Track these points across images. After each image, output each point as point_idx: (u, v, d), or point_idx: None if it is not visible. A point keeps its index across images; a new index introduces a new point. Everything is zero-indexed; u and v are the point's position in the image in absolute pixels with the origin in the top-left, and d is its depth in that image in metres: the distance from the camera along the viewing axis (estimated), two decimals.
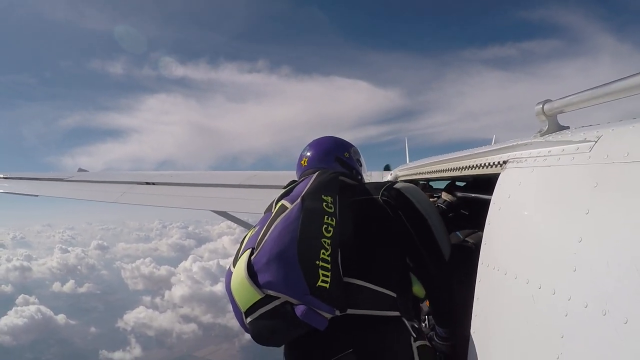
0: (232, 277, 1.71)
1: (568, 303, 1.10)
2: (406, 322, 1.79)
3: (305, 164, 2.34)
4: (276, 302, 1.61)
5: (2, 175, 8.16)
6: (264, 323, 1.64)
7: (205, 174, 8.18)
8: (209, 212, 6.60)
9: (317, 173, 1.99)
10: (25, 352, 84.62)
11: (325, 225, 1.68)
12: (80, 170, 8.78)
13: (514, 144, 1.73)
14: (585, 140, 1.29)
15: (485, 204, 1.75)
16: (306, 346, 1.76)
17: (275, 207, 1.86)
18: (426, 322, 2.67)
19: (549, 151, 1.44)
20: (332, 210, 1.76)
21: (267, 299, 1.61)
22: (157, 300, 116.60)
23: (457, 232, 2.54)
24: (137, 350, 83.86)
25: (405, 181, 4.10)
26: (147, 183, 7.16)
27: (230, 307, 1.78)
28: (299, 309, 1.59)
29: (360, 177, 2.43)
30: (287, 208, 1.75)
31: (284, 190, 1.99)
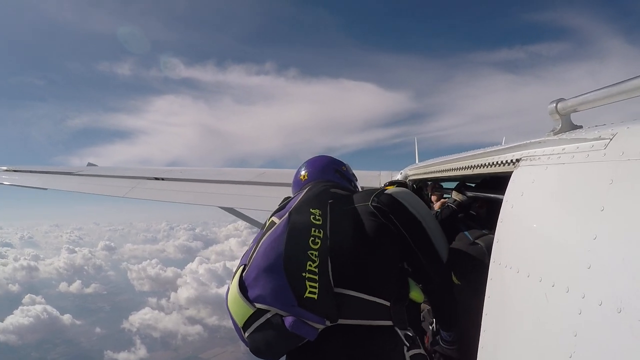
0: (228, 294, 1.78)
1: (582, 301, 1.09)
2: (399, 331, 1.81)
3: (306, 177, 2.40)
4: (267, 315, 1.67)
5: (12, 168, 8.17)
6: (259, 336, 1.70)
7: (215, 171, 8.17)
8: (216, 213, 6.62)
9: (307, 187, 2.07)
10: (31, 351, 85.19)
11: (312, 238, 1.74)
12: (89, 164, 8.80)
13: (528, 142, 1.72)
14: (600, 138, 1.28)
15: (496, 203, 1.74)
16: (300, 357, 1.80)
17: (267, 224, 1.93)
18: (432, 326, 2.65)
19: (563, 149, 1.43)
20: (320, 222, 1.81)
21: (259, 313, 1.68)
22: (163, 301, 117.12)
23: (466, 233, 2.52)
24: (142, 352, 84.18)
25: (414, 180, 4.09)
26: (156, 178, 7.15)
27: None
28: (288, 320, 1.65)
29: (357, 188, 2.51)
30: (276, 223, 1.82)
31: (277, 207, 2.05)
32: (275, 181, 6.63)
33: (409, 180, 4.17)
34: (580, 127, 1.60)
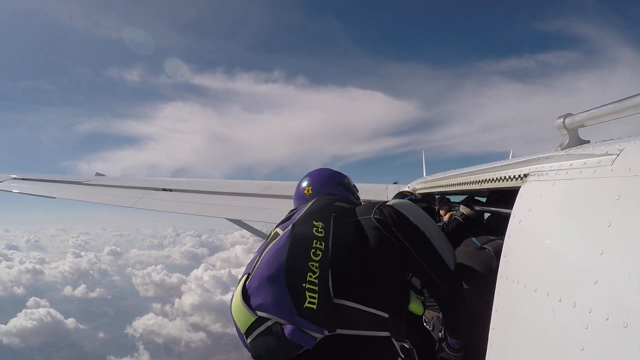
0: (232, 301, 1.83)
1: (589, 315, 1.11)
2: (395, 342, 1.84)
3: (310, 192, 2.44)
4: (268, 323, 1.71)
5: (21, 177, 8.28)
6: (261, 343, 1.74)
7: (222, 183, 8.26)
8: (223, 221, 6.64)
9: (313, 200, 2.11)
10: (34, 355, 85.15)
11: (313, 250, 1.78)
12: (97, 174, 8.89)
13: (535, 157, 1.73)
14: (607, 154, 1.30)
15: (504, 218, 1.76)
16: None
17: (271, 235, 1.99)
18: (440, 333, 2.65)
19: (571, 164, 1.45)
20: (323, 235, 1.85)
21: (260, 320, 1.73)
22: (167, 307, 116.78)
23: (473, 239, 2.52)
24: (145, 357, 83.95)
25: (422, 194, 4.09)
26: (164, 189, 7.22)
27: None
28: (287, 329, 1.69)
29: (359, 200, 2.54)
30: (280, 235, 1.87)
31: (283, 219, 2.10)
32: (282, 194, 6.69)
33: (417, 193, 4.17)
34: (588, 141, 1.61)
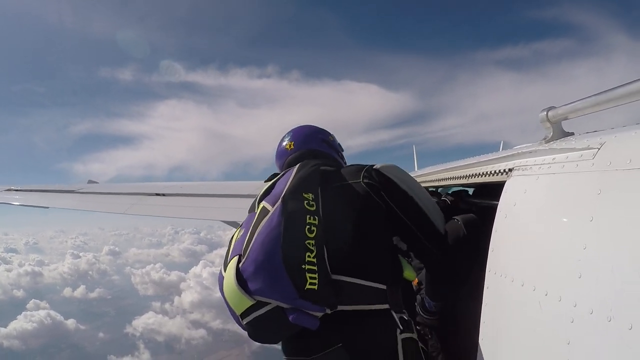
0: (223, 283, 1.75)
1: (574, 310, 1.11)
2: (394, 314, 1.79)
3: (292, 147, 2.32)
4: (268, 307, 1.65)
5: (14, 188, 8.22)
6: (259, 325, 1.69)
7: (216, 185, 8.17)
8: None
9: (297, 166, 1.97)
10: (35, 356, 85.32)
11: (307, 226, 1.69)
12: (90, 181, 8.86)
13: (519, 151, 1.73)
14: (588, 148, 1.29)
15: (492, 210, 1.75)
16: (298, 341, 1.80)
17: (257, 208, 1.86)
18: (419, 296, 2.60)
19: (553, 158, 1.45)
20: (314, 208, 1.76)
21: (259, 305, 1.66)
22: (167, 305, 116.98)
23: (456, 218, 2.48)
24: (145, 356, 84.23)
25: None
26: (157, 194, 7.12)
27: None
28: (290, 312, 1.64)
29: (344, 160, 2.45)
30: (269, 211, 1.76)
31: (265, 187, 2.00)
32: None
33: None
34: (572, 134, 1.61)
